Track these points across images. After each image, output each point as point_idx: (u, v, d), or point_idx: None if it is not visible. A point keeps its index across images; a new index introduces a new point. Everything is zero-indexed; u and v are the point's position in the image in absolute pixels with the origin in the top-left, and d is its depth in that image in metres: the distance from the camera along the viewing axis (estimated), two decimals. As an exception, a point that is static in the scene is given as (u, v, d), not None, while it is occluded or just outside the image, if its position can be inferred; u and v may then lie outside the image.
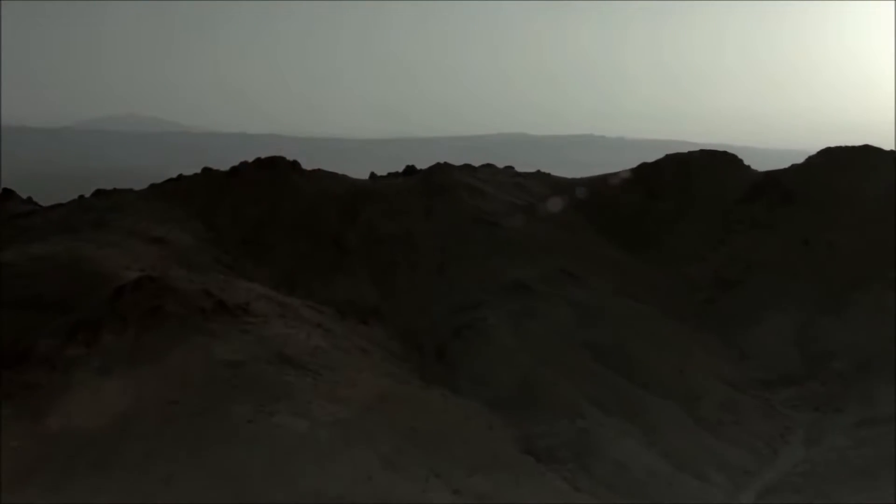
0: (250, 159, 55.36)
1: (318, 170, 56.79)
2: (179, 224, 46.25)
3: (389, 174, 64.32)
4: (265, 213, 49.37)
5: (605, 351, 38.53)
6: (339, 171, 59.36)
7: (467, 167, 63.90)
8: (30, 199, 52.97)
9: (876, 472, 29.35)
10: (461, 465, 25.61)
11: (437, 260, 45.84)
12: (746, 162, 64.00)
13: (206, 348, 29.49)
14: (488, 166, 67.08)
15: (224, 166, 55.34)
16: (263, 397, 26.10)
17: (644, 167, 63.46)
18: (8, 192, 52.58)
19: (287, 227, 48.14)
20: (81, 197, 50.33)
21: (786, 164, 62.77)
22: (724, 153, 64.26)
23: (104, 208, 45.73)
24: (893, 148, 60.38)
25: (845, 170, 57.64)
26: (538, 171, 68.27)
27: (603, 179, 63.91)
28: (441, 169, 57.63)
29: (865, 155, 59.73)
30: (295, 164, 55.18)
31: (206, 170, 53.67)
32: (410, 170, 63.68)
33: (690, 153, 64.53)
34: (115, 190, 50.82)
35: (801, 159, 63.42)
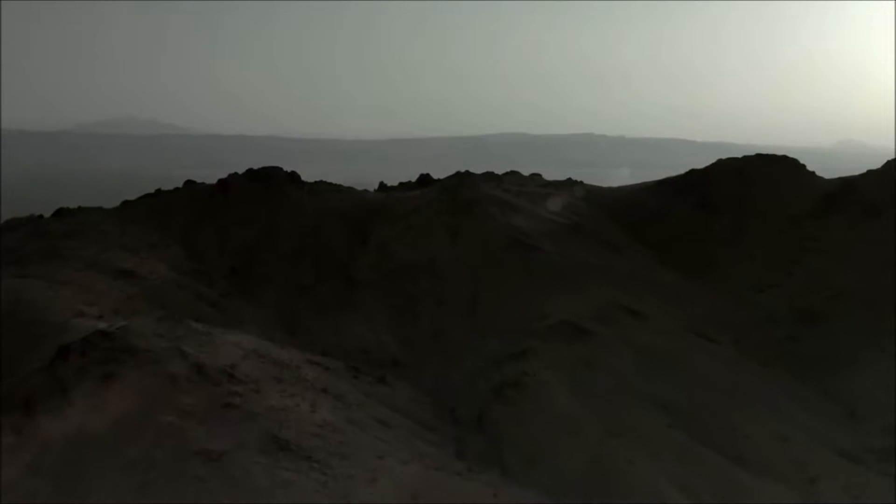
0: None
1: (321, 182, 48.79)
2: (155, 251, 38.25)
3: (402, 184, 56.52)
4: (259, 236, 41.33)
5: (684, 412, 30.89)
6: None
7: (490, 175, 56.06)
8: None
9: None
10: None
11: (467, 294, 37.43)
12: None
13: (175, 435, 22.23)
14: (513, 174, 59.36)
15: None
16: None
17: (693, 174, 55.56)
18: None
19: (285, 254, 40.10)
20: (40, 217, 42.29)
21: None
22: (785, 157, 55.98)
23: (61, 234, 37.50)
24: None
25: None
26: (569, 179, 60.68)
27: (646, 189, 56.12)
28: (464, 180, 49.04)
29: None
30: (293, 175, 47.12)
31: (189, 183, 45.70)
32: (425, 179, 55.75)
33: (745, 158, 56.40)
34: (79, 208, 42.70)
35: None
